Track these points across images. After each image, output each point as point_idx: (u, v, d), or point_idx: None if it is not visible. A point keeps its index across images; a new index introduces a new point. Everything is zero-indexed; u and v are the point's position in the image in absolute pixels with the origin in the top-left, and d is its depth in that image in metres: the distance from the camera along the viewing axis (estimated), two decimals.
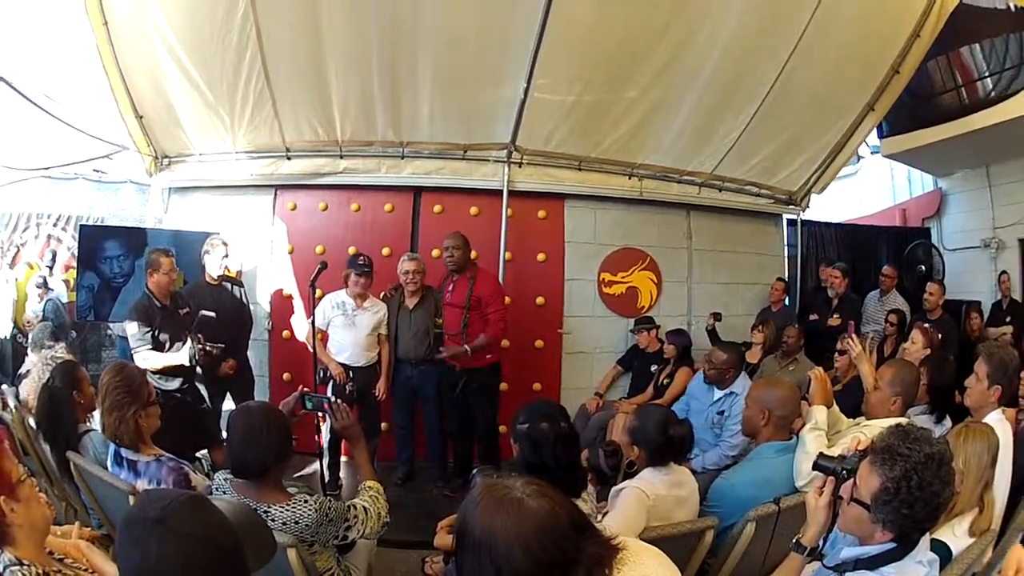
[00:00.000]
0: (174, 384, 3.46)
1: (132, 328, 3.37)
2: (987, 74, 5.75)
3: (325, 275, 3.44)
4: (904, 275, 6.06)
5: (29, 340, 5.22)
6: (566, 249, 4.77)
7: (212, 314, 3.55)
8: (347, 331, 3.91)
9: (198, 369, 3.58)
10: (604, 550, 1.04)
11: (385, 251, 4.56)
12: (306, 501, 1.86)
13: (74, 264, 6.03)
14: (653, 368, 4.48)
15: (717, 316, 4.89)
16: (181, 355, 3.34)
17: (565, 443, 1.93)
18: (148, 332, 3.38)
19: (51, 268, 6.32)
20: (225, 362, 3.93)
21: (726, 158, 4.81)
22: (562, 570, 0.98)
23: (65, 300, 5.98)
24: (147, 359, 3.31)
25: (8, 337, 5.86)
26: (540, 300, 4.73)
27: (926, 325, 3.96)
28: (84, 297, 4.47)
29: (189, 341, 3.34)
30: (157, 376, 3.38)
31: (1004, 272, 5.92)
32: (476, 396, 3.92)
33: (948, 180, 7.05)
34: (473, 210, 4.65)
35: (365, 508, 2.02)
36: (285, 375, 4.60)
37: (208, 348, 3.38)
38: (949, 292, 5.26)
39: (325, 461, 3.69)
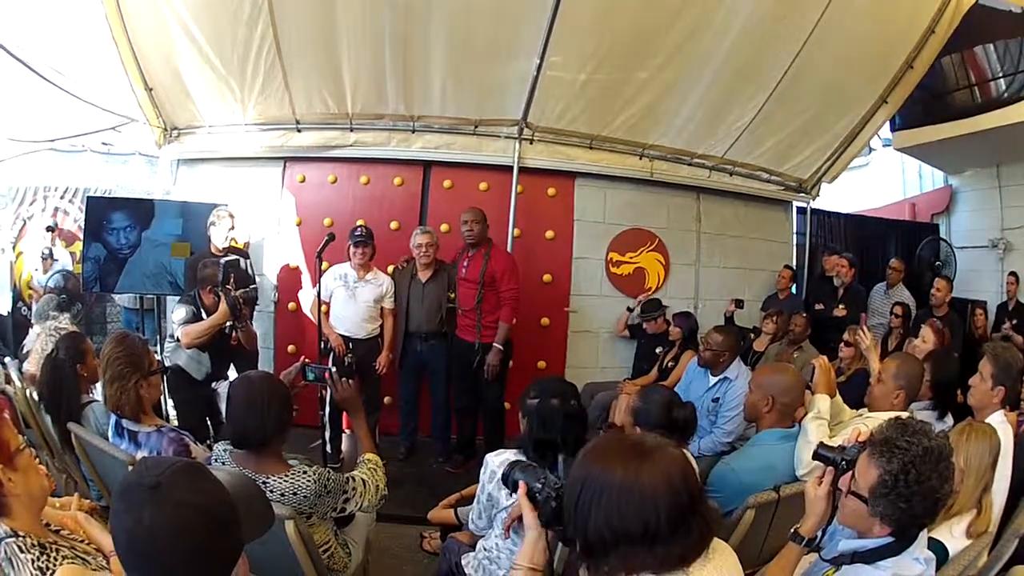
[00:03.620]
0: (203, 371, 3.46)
1: (180, 313, 3.35)
2: (1000, 75, 5.73)
3: (333, 247, 3.45)
4: (916, 270, 6.04)
5: (33, 312, 5.23)
6: (575, 227, 4.75)
7: (235, 257, 3.51)
8: (348, 303, 3.90)
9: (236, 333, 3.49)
10: (713, 512, 1.14)
11: (394, 225, 4.55)
12: (305, 472, 1.84)
13: (79, 236, 6.04)
14: (658, 350, 4.46)
15: (739, 303, 4.85)
16: (220, 311, 3.27)
17: (574, 421, 1.92)
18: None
19: (52, 231, 6.26)
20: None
21: (737, 143, 4.79)
22: (694, 518, 1.05)
23: (70, 270, 5.98)
24: (189, 331, 3.28)
25: (9, 311, 5.86)
26: (547, 277, 4.71)
27: (936, 321, 3.95)
28: (90, 268, 4.45)
29: (223, 296, 3.28)
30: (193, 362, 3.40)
31: (1012, 273, 5.85)
32: (484, 371, 3.89)
33: (959, 177, 7.01)
34: (483, 186, 4.63)
35: (364, 480, 2.00)
36: (290, 347, 4.59)
37: (243, 295, 3.33)
38: (954, 290, 5.23)
39: (327, 434, 3.67)
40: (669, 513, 1.02)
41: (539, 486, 1.38)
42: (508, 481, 1.47)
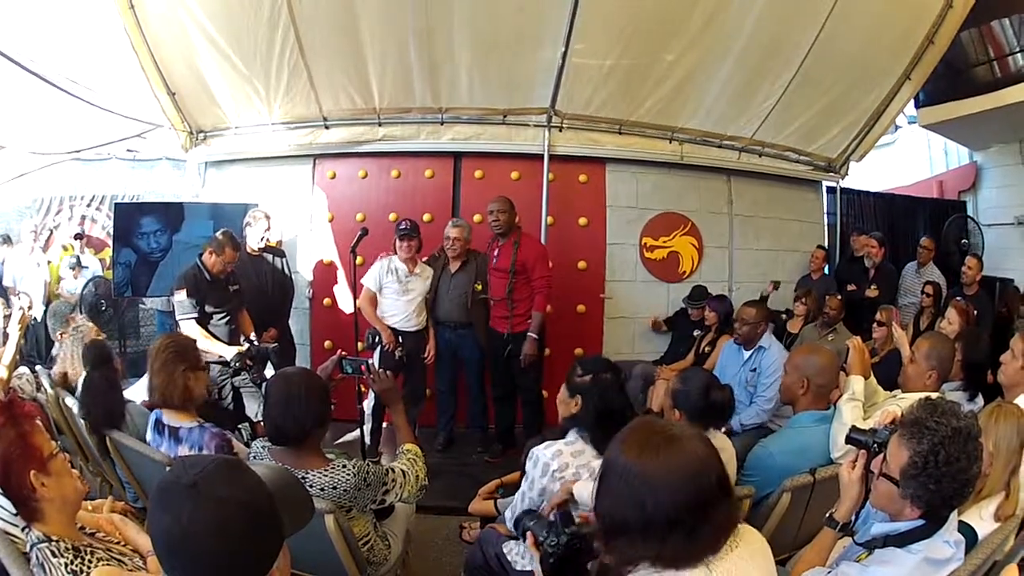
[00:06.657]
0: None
1: (180, 296, 3.37)
2: (1018, 49, 5.67)
3: (366, 241, 3.45)
4: (943, 248, 5.98)
5: (48, 315, 5.25)
6: (608, 213, 4.74)
7: (275, 345, 3.54)
8: (400, 297, 3.88)
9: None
10: (733, 514, 1.08)
11: (427, 217, 4.54)
12: (344, 466, 1.83)
13: (108, 243, 6.09)
14: (696, 333, 4.43)
15: (776, 285, 4.81)
16: (226, 351, 3.33)
17: (624, 393, 1.95)
18: (195, 302, 3.38)
19: (80, 239, 6.29)
20: (266, 332, 3.93)
21: (765, 123, 4.76)
22: (698, 519, 1.00)
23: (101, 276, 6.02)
24: (192, 333, 3.28)
25: (41, 319, 5.89)
26: (582, 264, 4.70)
27: (961, 301, 3.91)
28: (121, 273, 4.49)
29: (238, 349, 3.31)
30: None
31: None
32: (520, 360, 3.87)
33: (983, 154, 6.95)
34: (514, 175, 4.63)
35: (403, 471, 1.99)
36: (326, 342, 4.61)
37: (251, 373, 3.34)
38: (984, 269, 5.15)
39: (367, 427, 3.66)
40: (670, 509, 0.98)
41: (543, 536, 1.41)
42: (518, 528, 1.53)
